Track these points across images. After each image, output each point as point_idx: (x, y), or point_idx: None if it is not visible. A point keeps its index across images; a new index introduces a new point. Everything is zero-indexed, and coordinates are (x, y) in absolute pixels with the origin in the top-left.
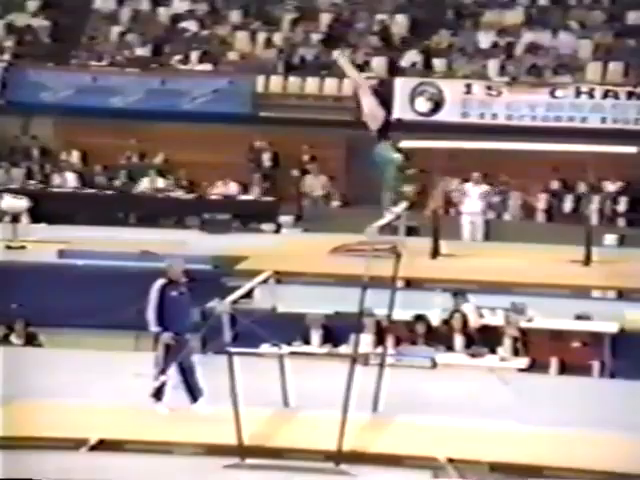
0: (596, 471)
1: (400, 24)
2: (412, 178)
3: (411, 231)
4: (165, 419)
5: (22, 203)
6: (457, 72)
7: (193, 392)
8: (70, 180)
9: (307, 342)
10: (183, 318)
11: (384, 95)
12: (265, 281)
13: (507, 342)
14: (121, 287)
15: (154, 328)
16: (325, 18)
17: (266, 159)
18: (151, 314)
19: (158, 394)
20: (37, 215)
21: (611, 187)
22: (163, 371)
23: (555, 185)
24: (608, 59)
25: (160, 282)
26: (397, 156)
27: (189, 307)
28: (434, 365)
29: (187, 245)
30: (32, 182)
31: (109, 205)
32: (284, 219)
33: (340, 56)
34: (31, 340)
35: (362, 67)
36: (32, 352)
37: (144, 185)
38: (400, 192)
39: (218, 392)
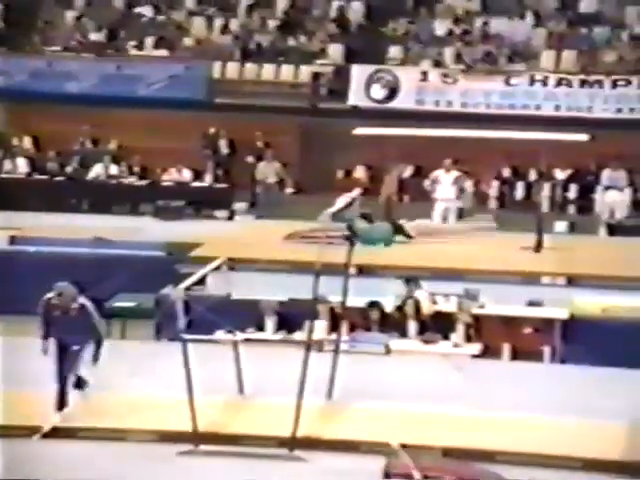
0: (548, 455)
1: (357, 11)
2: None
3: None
4: (118, 406)
5: None
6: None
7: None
8: (21, 166)
9: (261, 329)
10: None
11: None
12: (219, 268)
13: (460, 328)
14: (74, 274)
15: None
16: (281, 4)
17: (222, 145)
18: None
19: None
20: None
21: (561, 174)
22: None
23: (507, 172)
24: (561, 47)
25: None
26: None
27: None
28: (388, 351)
29: (141, 232)
30: None
31: (61, 191)
32: (238, 206)
33: None
34: None
35: (318, 54)
36: None
37: (97, 171)
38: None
39: (172, 379)
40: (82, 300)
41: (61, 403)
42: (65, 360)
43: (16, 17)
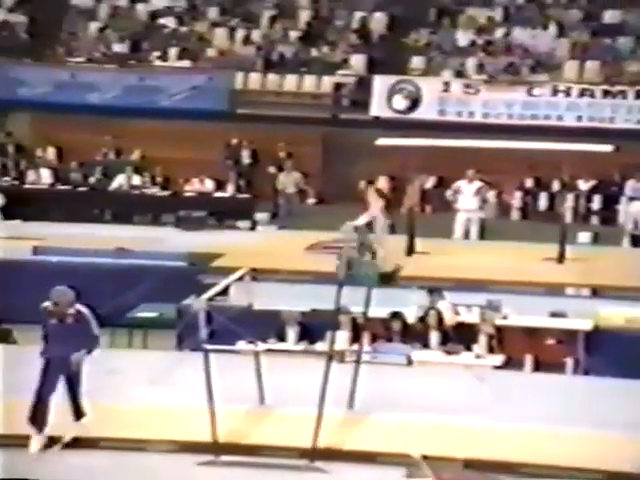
0: (570, 468)
1: (379, 21)
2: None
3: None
4: (139, 415)
5: None
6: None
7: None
8: (45, 176)
9: (282, 339)
10: (69, 343)
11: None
12: (241, 278)
13: (482, 339)
14: (96, 284)
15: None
16: (304, 15)
17: (244, 156)
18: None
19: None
20: (12, 211)
21: (585, 185)
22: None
23: (530, 183)
24: (585, 58)
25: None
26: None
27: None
28: (410, 362)
29: (163, 242)
30: (7, 179)
31: (84, 202)
32: (260, 216)
33: None
34: (5, 337)
35: (340, 65)
36: (6, 349)
37: (119, 182)
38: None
39: (193, 389)
40: (78, 306)
41: (78, 413)
42: (63, 380)
43: (40, 29)
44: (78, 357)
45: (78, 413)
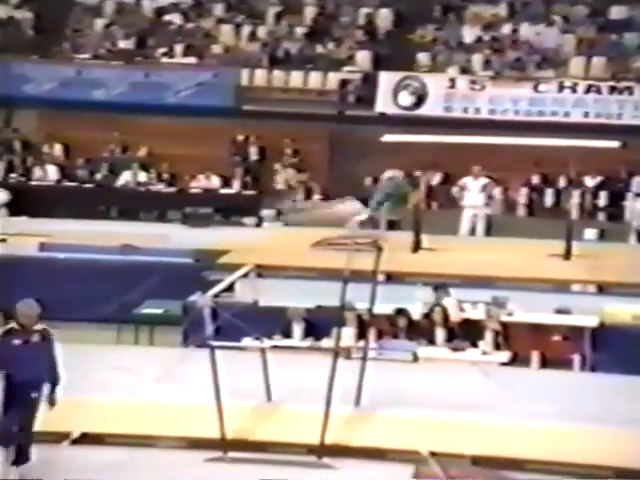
0: (577, 464)
1: (385, 18)
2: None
3: (392, 225)
4: (146, 412)
5: (1, 196)
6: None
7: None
8: (51, 173)
9: (288, 336)
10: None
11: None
12: (246, 275)
13: (488, 336)
14: (102, 280)
15: None
16: (309, 12)
17: (251, 153)
18: None
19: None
20: (18, 208)
21: (591, 182)
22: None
23: (536, 179)
24: (591, 54)
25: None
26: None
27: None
28: (416, 359)
29: (169, 239)
30: (13, 175)
31: (91, 198)
32: (266, 213)
33: None
34: None
35: (346, 61)
36: None
37: (126, 178)
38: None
39: (200, 385)
40: (43, 325)
41: (19, 458)
42: (22, 409)
43: (46, 25)
44: (48, 401)
45: (20, 457)
